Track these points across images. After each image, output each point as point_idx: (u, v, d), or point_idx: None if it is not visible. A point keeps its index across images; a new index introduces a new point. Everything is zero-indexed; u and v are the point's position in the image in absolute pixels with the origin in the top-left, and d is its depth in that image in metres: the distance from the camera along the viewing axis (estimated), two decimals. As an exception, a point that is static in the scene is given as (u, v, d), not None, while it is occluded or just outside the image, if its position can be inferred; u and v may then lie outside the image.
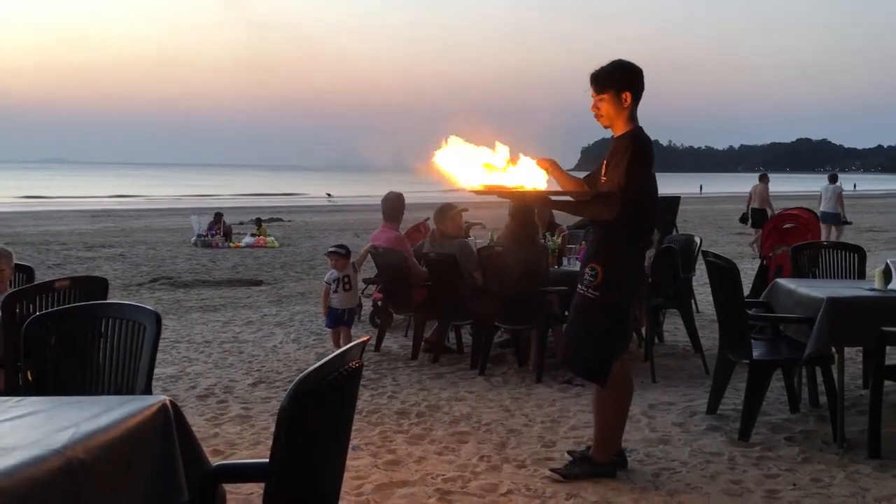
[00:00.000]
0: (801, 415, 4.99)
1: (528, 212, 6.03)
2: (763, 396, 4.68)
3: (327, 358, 1.93)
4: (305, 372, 1.83)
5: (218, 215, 19.20)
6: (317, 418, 1.94)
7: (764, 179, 18.17)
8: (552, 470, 4.04)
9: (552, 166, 3.92)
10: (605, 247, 3.88)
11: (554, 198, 4.00)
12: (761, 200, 17.55)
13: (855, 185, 71.22)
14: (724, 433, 4.68)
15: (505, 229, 6.33)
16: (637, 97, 3.85)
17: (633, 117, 3.86)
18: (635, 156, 3.73)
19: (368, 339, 2.29)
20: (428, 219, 8.42)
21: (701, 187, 67.64)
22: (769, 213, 16.32)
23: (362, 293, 8.68)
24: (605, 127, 3.90)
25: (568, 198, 4.01)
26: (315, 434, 1.96)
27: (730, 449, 4.42)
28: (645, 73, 3.88)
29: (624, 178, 3.70)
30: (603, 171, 3.89)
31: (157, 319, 3.11)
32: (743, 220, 18.33)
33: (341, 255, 6.87)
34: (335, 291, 6.80)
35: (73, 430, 1.95)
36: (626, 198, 3.70)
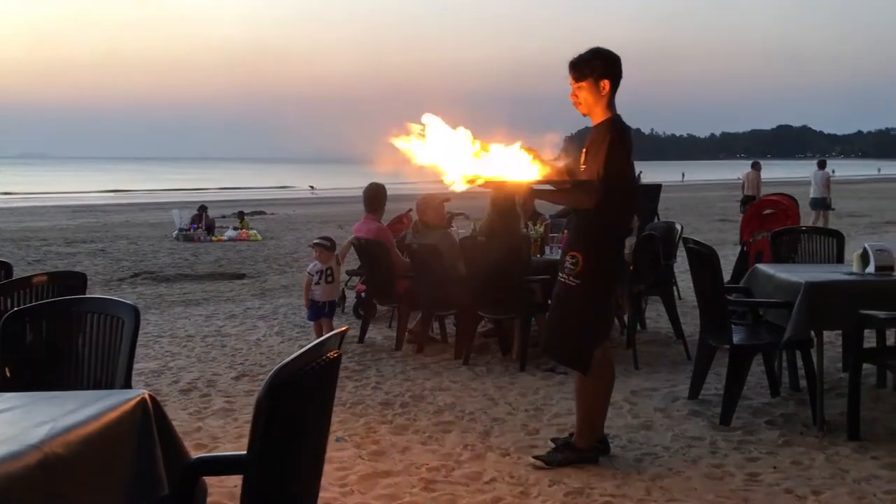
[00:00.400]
0: (782, 399, 5.04)
1: (509, 201, 6.03)
2: (744, 381, 4.72)
3: (304, 348, 1.92)
4: (282, 363, 1.82)
5: (202, 208, 19.11)
6: (294, 409, 1.93)
7: (756, 167, 19.26)
8: (535, 457, 4.06)
9: (533, 155, 3.91)
10: (586, 235, 3.90)
11: (535, 186, 4.00)
12: (753, 187, 18.54)
13: (833, 171, 71.74)
14: (705, 418, 4.72)
15: (487, 219, 6.33)
16: (615, 85, 3.86)
17: (611, 105, 3.87)
18: (614, 144, 3.74)
19: (347, 330, 2.28)
20: (410, 210, 8.41)
21: (683, 175, 68.05)
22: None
23: (346, 284, 8.67)
24: (584, 115, 3.90)
25: (548, 186, 4.01)
26: (293, 425, 1.96)
27: (711, 433, 4.46)
28: (627, 62, 3.89)
29: (603, 166, 3.71)
30: (582, 159, 3.90)
31: (136, 313, 3.09)
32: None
33: (326, 247, 6.85)
34: (317, 283, 6.78)
35: (50, 426, 1.94)
36: (606, 186, 3.71)
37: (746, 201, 17.82)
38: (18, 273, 5.40)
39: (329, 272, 6.79)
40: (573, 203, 3.99)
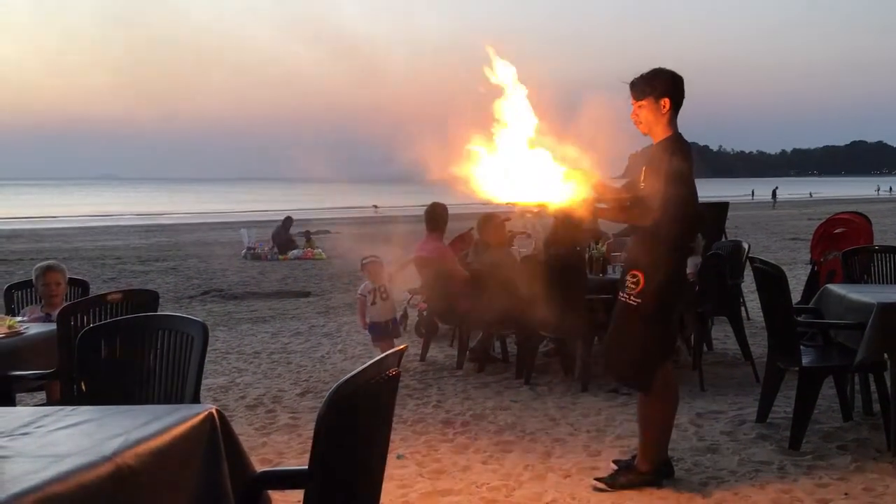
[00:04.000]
0: (854, 423, 4.88)
1: (569, 219, 6.01)
2: (814, 404, 4.59)
3: (364, 366, 1.96)
4: (342, 379, 1.86)
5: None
6: (354, 425, 1.97)
7: None
8: (597, 479, 4.02)
9: (590, 174, 3.90)
10: (646, 254, 3.86)
11: (595, 204, 3.98)
12: None
13: (891, 189, 70.72)
14: (773, 442, 4.60)
15: (549, 236, 6.33)
16: (676, 104, 3.84)
17: (672, 124, 3.84)
18: (674, 162, 3.72)
19: (406, 348, 2.31)
20: (472, 228, 8.43)
21: (753, 192, 66.81)
22: None
23: (408, 303, 8.73)
24: (645, 134, 3.89)
25: (606, 205, 3.99)
26: (353, 441, 2.00)
27: (780, 457, 4.35)
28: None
29: (663, 184, 3.69)
30: (642, 176, 3.88)
31: (205, 330, 3.18)
32: None
33: (377, 263, 6.81)
34: (373, 303, 6.67)
35: (123, 438, 2.02)
36: (665, 204, 3.69)
37: None
38: (94, 291, 5.62)
39: (382, 289, 6.68)
40: (632, 220, 3.97)
